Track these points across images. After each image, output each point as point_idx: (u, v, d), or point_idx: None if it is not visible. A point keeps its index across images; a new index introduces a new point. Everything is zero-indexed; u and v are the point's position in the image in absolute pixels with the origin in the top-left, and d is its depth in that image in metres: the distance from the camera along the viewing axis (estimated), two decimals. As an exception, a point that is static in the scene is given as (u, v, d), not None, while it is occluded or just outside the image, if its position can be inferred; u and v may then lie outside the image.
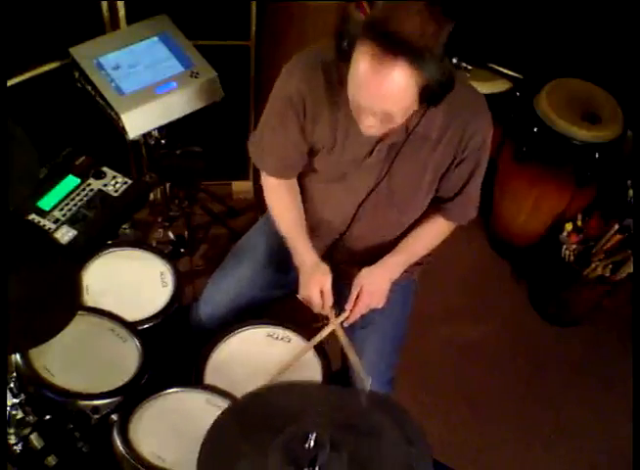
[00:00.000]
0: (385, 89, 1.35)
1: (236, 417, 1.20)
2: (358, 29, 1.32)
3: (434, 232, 1.77)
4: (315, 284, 1.67)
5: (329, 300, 1.68)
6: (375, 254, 1.74)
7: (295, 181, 1.78)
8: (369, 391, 1.60)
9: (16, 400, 1.50)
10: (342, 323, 1.68)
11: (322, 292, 1.67)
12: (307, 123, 1.61)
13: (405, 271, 1.77)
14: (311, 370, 1.67)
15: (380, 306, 1.70)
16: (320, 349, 1.70)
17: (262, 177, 1.79)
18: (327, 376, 1.66)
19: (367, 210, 1.70)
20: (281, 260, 1.88)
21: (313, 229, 1.77)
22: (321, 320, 1.71)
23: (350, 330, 1.75)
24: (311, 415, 1.14)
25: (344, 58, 1.38)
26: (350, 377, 1.75)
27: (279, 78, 1.61)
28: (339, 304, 1.71)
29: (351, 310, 1.67)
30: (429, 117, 1.52)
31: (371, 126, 1.46)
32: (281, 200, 1.77)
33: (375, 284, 1.68)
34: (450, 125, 1.55)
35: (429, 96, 1.38)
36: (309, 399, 1.25)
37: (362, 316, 1.71)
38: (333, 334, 1.68)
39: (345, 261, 1.79)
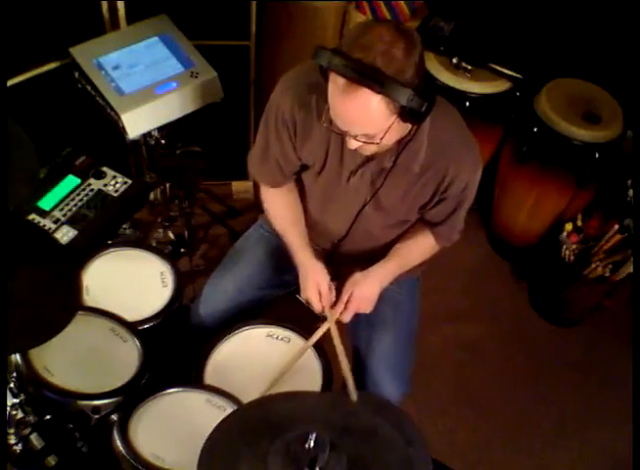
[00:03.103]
0: (353, 117, 1.37)
1: (236, 424, 1.20)
2: (325, 60, 1.32)
3: (426, 246, 1.78)
4: (312, 285, 1.68)
5: (327, 300, 1.68)
6: (374, 256, 1.75)
7: (292, 184, 1.79)
8: (368, 393, 1.60)
9: (16, 400, 1.50)
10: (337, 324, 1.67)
11: (320, 292, 1.67)
12: (298, 141, 1.63)
13: (408, 271, 1.79)
14: (312, 373, 1.66)
15: (368, 312, 1.70)
16: (321, 352, 1.70)
17: (261, 186, 1.83)
18: (327, 379, 1.65)
19: (361, 222, 1.72)
20: (280, 260, 1.88)
21: (312, 235, 1.78)
22: (322, 320, 1.71)
23: (364, 331, 1.78)
24: (311, 420, 1.14)
25: (327, 80, 1.39)
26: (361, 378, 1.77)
27: (274, 92, 1.62)
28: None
29: (340, 314, 1.67)
30: (411, 148, 1.53)
31: (359, 146, 1.46)
32: (276, 201, 1.80)
33: (365, 291, 1.68)
34: (432, 165, 1.55)
35: (410, 115, 1.36)
36: (309, 406, 1.25)
37: (371, 315, 1.72)
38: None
39: (345, 264, 1.79)
